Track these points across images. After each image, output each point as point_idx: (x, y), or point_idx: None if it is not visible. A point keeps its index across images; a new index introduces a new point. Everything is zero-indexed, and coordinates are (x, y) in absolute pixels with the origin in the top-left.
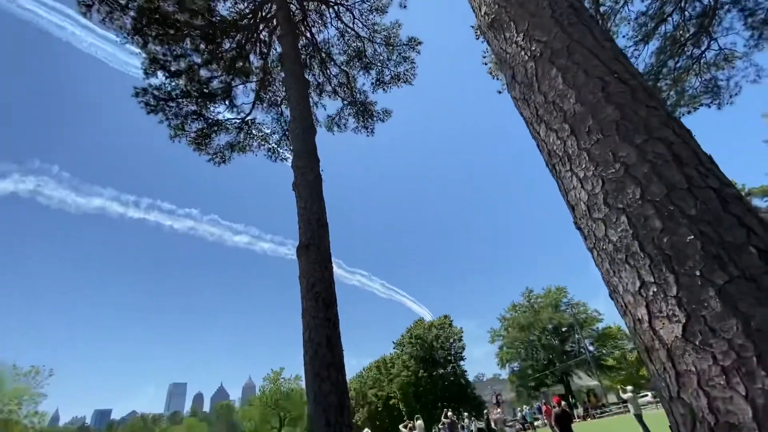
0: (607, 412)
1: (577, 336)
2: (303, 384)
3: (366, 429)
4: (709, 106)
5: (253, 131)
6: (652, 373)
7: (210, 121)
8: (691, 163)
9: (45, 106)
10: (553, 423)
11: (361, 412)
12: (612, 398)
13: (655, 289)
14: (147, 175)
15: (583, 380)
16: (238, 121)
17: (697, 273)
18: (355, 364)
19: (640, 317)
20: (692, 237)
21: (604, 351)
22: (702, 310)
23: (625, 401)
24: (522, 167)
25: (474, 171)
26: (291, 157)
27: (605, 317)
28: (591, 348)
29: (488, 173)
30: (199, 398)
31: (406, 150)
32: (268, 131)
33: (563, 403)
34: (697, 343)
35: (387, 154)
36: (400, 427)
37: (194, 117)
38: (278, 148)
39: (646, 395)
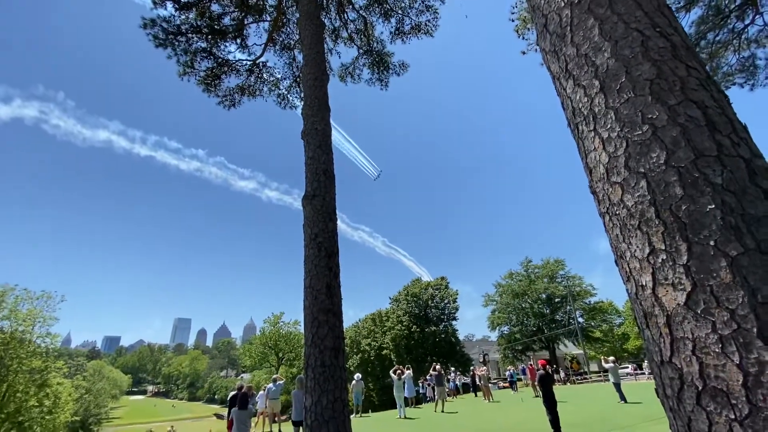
0: (587, 378)
1: (569, 307)
2: (302, 328)
3: (357, 373)
4: (742, 86)
5: (264, 75)
6: (647, 338)
7: (220, 60)
8: (724, 131)
9: (46, 30)
10: (536, 383)
11: (354, 358)
12: (593, 367)
13: (665, 257)
14: (153, 111)
15: (568, 348)
16: (248, 62)
17: (711, 243)
18: (351, 315)
19: (644, 284)
20: (713, 206)
21: (592, 323)
22: (710, 279)
23: (606, 370)
24: (538, 136)
25: (488, 137)
26: (301, 105)
27: (599, 292)
28: (581, 319)
29: (503, 141)
30: (202, 334)
31: (418, 108)
32: (279, 76)
33: (547, 366)
34: (698, 311)
35: (399, 112)
36: (390, 372)
37: (204, 55)
38: (288, 95)
39: (626, 367)
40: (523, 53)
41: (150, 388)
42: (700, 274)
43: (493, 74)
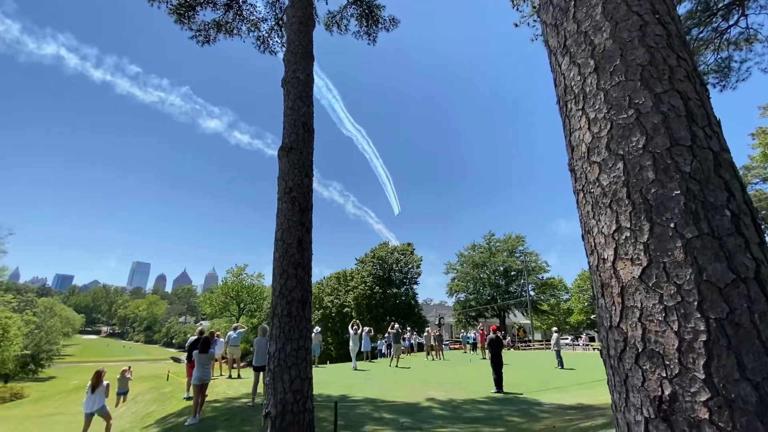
0: (530, 346)
1: (522, 281)
2: (264, 282)
3: (317, 327)
4: (714, 86)
5: (244, 12)
6: (600, 306)
7: None
8: (700, 122)
9: None
10: (486, 346)
11: (316, 314)
12: (537, 336)
13: (628, 234)
14: (111, 26)
15: (517, 318)
16: None
17: (672, 225)
18: (316, 272)
19: (605, 257)
20: (678, 192)
21: (542, 297)
22: (664, 257)
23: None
24: (519, 116)
25: (468, 110)
26: (281, 51)
27: (552, 269)
28: (532, 293)
29: (483, 113)
30: (161, 279)
31: (402, 67)
32: (260, 16)
33: (498, 332)
34: (650, 284)
35: (382, 68)
36: (349, 327)
37: None
38: (269, 39)
39: (566, 338)
40: (516, 25)
41: (104, 328)
42: (657, 252)
43: (484, 47)
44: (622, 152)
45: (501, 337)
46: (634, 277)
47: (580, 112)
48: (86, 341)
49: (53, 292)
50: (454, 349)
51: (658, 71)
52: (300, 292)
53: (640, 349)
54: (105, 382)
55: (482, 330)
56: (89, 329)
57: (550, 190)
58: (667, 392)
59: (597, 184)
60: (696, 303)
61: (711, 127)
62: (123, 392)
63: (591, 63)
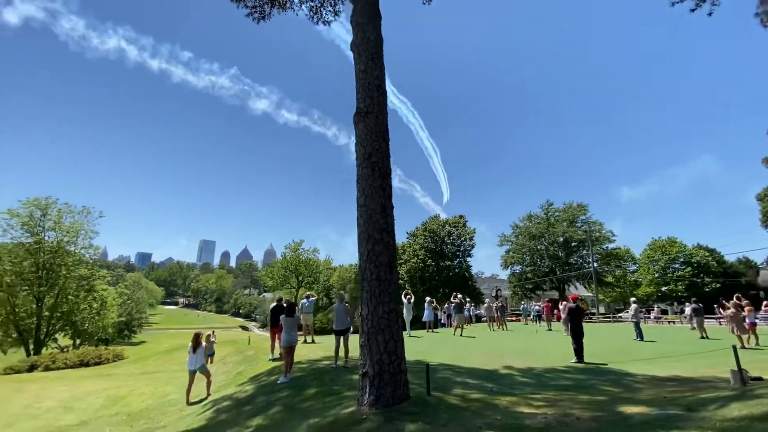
0: (591, 320)
1: (585, 251)
2: (320, 256)
3: None
4: None
5: None
6: None
7: None
8: None
9: None
10: (566, 315)
11: None
12: (601, 309)
13: None
14: (160, 15)
15: (578, 290)
16: None
17: None
18: None
19: None
20: None
21: (606, 269)
22: None
23: (618, 310)
24: (577, 83)
25: (519, 79)
26: (334, 21)
27: (617, 239)
28: (595, 264)
29: (531, 77)
30: (226, 255)
31: (454, 30)
32: None
33: (578, 301)
34: None
35: (428, 33)
36: (402, 296)
37: None
38: (321, 8)
39: (642, 310)
40: None
41: (181, 300)
42: None
43: (539, 11)
44: None
45: (581, 306)
46: None
47: None
48: (167, 311)
49: (136, 268)
50: (512, 321)
51: None
52: (387, 257)
53: None
54: (203, 344)
55: (548, 302)
56: (168, 300)
57: (610, 156)
58: None
59: None
60: None
61: None
62: (210, 354)
63: None
